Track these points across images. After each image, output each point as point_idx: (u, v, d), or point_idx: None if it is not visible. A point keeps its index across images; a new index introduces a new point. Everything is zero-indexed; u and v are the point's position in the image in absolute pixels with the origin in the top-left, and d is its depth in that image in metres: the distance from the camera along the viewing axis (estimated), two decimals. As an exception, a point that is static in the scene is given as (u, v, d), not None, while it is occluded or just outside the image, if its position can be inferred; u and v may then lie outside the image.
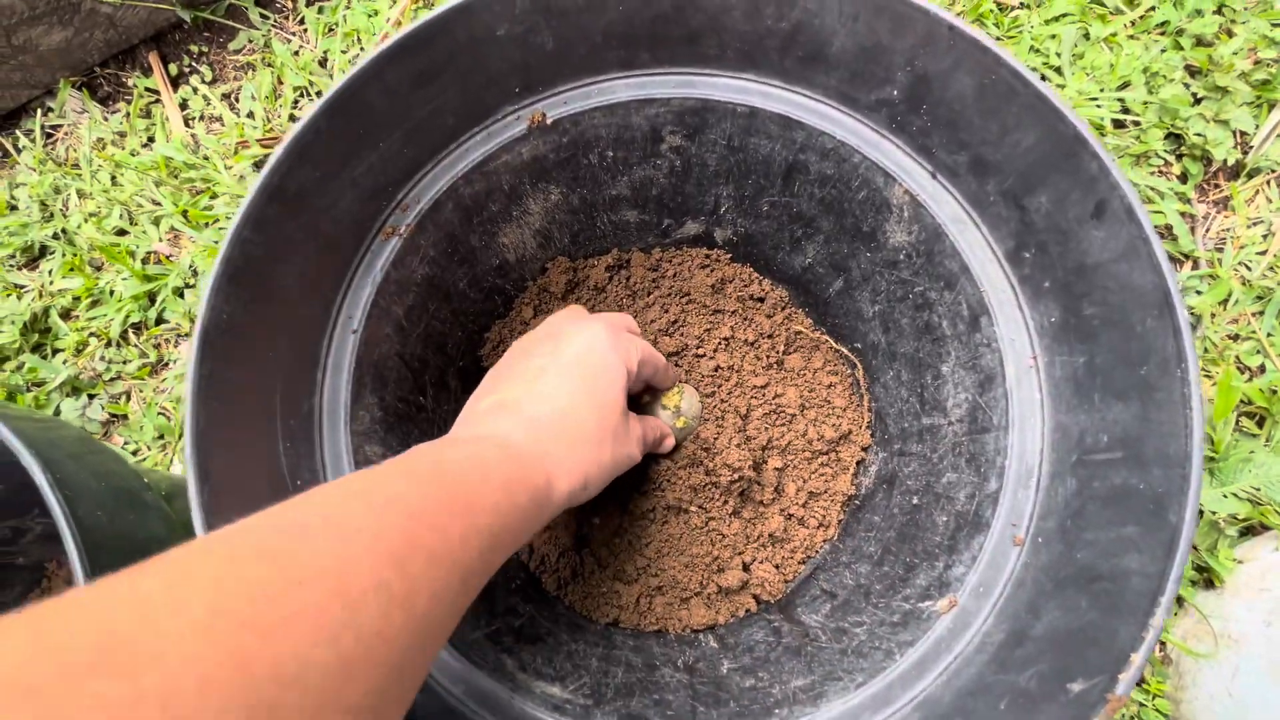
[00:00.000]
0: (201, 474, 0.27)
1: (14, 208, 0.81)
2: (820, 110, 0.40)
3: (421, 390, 0.45)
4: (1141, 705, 0.54)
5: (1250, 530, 0.57)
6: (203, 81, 0.87)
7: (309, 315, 0.35)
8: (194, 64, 0.89)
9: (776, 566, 0.49)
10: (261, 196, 0.31)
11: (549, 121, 0.41)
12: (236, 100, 0.86)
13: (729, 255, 0.57)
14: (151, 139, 0.84)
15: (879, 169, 0.39)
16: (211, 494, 0.27)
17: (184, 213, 0.78)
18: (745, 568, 0.49)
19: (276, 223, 0.32)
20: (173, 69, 0.89)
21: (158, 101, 0.87)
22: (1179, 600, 0.57)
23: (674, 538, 0.50)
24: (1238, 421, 0.60)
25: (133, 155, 0.81)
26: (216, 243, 0.75)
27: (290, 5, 0.90)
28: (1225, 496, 0.56)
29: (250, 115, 0.83)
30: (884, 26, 0.34)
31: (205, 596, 0.18)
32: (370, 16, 0.86)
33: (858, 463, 0.51)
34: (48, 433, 0.36)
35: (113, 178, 0.81)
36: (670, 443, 0.48)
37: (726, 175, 0.48)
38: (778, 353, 0.55)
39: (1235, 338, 0.64)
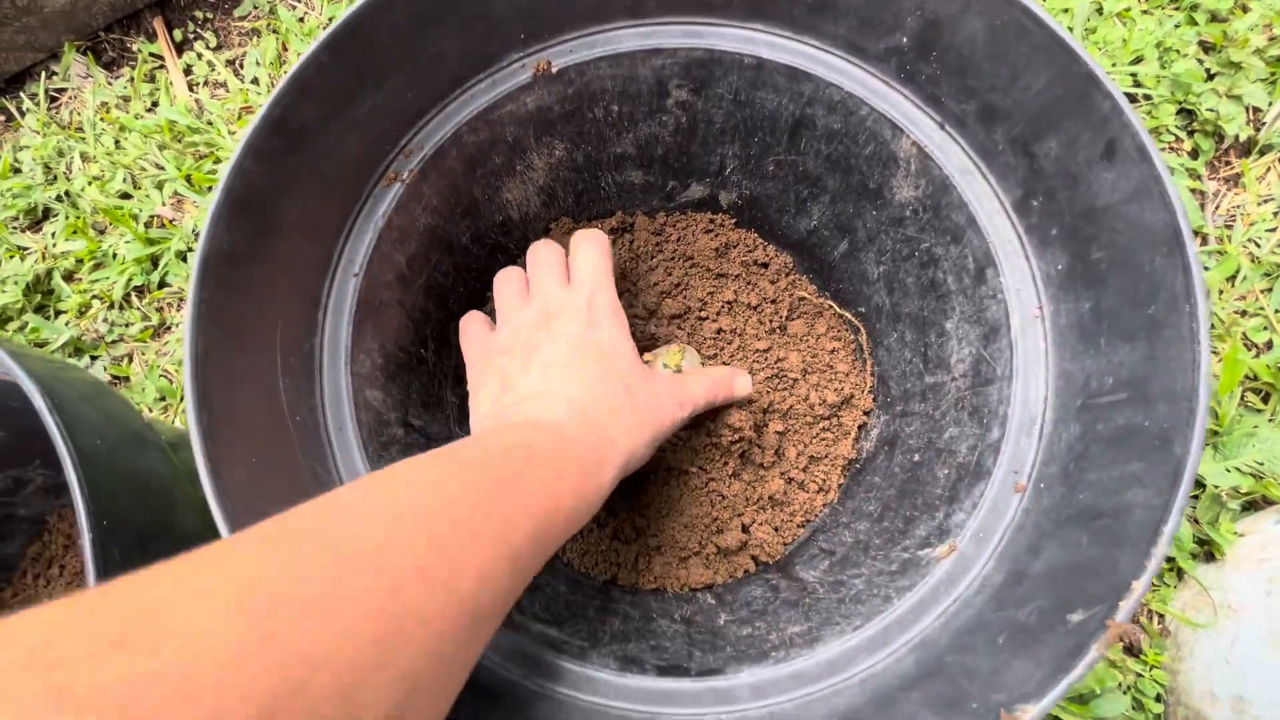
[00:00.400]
0: (200, 399, 0.27)
1: (17, 170, 0.81)
2: (828, 61, 0.39)
3: (422, 342, 0.45)
4: (1139, 675, 0.54)
5: (1253, 504, 0.57)
6: (207, 47, 0.86)
7: (311, 255, 0.35)
8: (198, 30, 0.89)
9: (775, 529, 0.49)
10: (264, 128, 0.30)
11: (554, 70, 0.41)
12: (241, 66, 0.85)
13: (733, 220, 0.57)
14: (155, 104, 0.84)
15: (887, 121, 0.39)
16: (211, 420, 0.27)
17: (187, 177, 0.78)
18: (744, 529, 0.49)
19: (279, 157, 0.31)
20: (177, 34, 0.88)
21: (162, 67, 0.86)
22: (1179, 573, 0.57)
23: (673, 499, 0.50)
24: (1243, 397, 0.60)
25: (136, 119, 0.81)
26: (220, 207, 0.75)
27: (296, -28, 0.89)
28: (1229, 470, 0.56)
29: (255, 81, 0.83)
30: (894, -31, 0.33)
31: (237, 576, 0.17)
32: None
33: (859, 427, 0.51)
34: (60, 373, 0.36)
35: (116, 141, 0.81)
36: (745, 384, 0.46)
37: (733, 133, 0.47)
38: (780, 318, 0.54)
39: (1243, 314, 0.63)
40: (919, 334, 0.44)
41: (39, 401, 0.28)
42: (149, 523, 0.34)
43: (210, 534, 0.24)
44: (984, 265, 0.36)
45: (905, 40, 0.36)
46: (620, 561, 0.48)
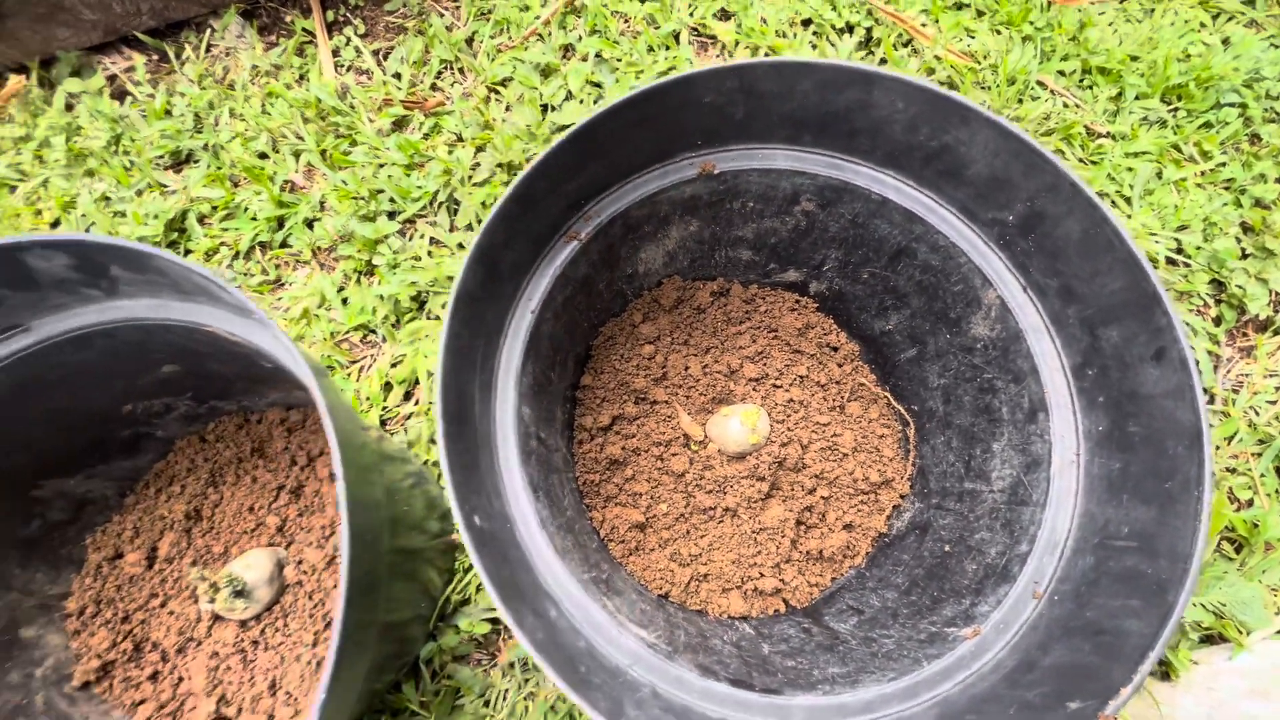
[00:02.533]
0: (446, 411, 0.35)
1: (169, 113, 0.88)
2: (941, 213, 0.48)
3: (551, 367, 0.53)
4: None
5: (1210, 639, 0.65)
6: (355, 34, 0.94)
7: (507, 294, 0.43)
8: (349, 15, 0.97)
9: (807, 581, 0.57)
10: (512, 199, 0.38)
11: (715, 171, 0.49)
12: (384, 59, 0.93)
13: (816, 305, 0.65)
14: (303, 77, 0.92)
15: (979, 272, 0.47)
16: (450, 425, 0.35)
17: (323, 152, 0.85)
18: (780, 576, 0.57)
19: (513, 220, 0.40)
20: (329, 15, 0.96)
21: (312, 43, 0.94)
22: (1135, 684, 0.65)
23: (726, 536, 0.58)
24: (1219, 544, 0.68)
25: (287, 89, 0.89)
26: (347, 184, 0.82)
27: (449, -18, 0.97)
28: (1195, 605, 0.65)
29: (397, 76, 0.91)
30: (1018, 167, 0.41)
31: None
32: (522, 10, 0.93)
33: (894, 506, 0.59)
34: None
35: (263, 106, 0.89)
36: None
37: (841, 243, 0.56)
38: (842, 398, 0.63)
39: (1232, 470, 0.72)
40: (965, 444, 0.52)
41: (310, 381, 0.36)
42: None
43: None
44: (1037, 409, 0.45)
45: (1011, 219, 0.44)
46: (675, 581, 0.55)
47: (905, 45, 0.90)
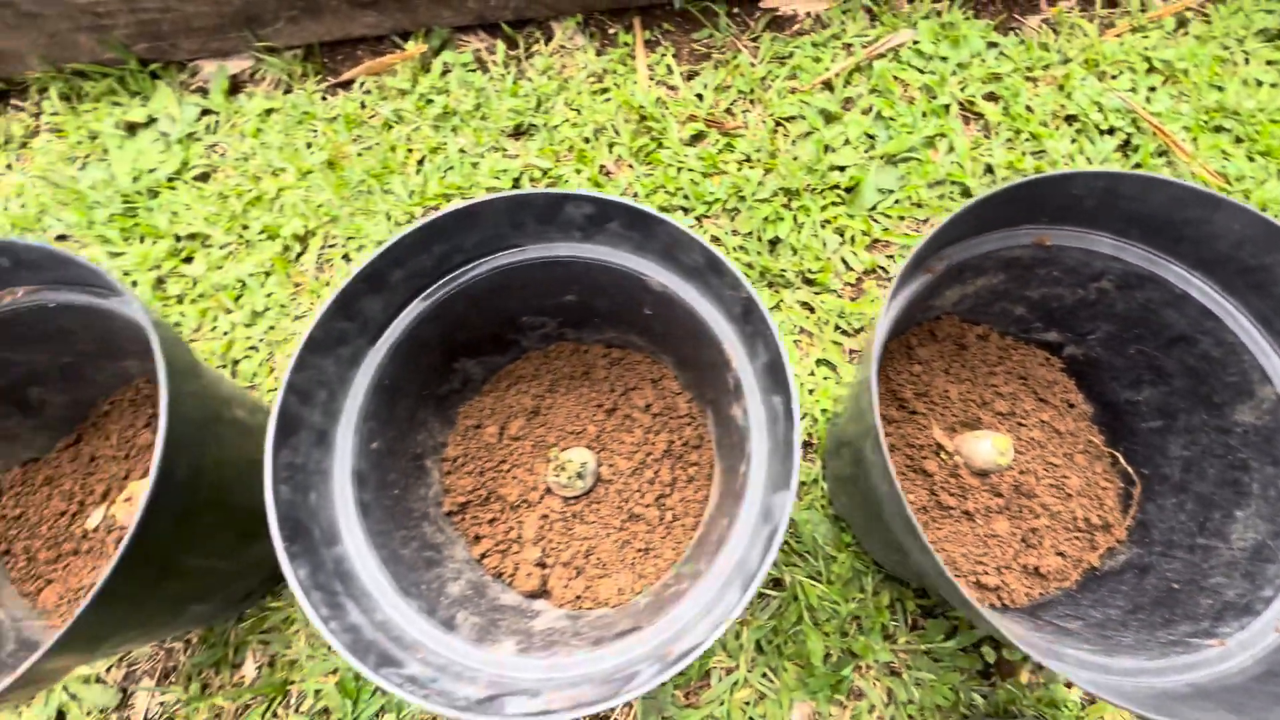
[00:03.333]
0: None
1: (515, 95, 1.09)
2: (1238, 317, 0.58)
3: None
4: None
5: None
6: (668, 55, 1.12)
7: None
8: (660, 37, 1.15)
9: (1024, 588, 0.68)
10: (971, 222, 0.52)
11: (1048, 244, 0.62)
12: (689, 79, 1.11)
13: (1062, 365, 0.76)
14: (618, 86, 1.10)
15: (1261, 371, 0.57)
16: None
17: (637, 149, 1.03)
18: (1001, 577, 0.68)
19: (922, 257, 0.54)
20: (646, 34, 1.15)
21: (632, 56, 1.13)
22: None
23: (961, 533, 0.70)
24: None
25: (615, 88, 1.08)
26: (650, 177, 1.00)
27: (752, 24, 1.14)
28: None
29: (699, 96, 1.08)
30: (1331, 295, 0.52)
31: None
32: (814, 61, 1.09)
33: (1108, 549, 0.69)
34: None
35: (591, 101, 1.08)
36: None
37: (1121, 319, 0.67)
38: (1073, 448, 0.73)
39: None
40: (1202, 509, 0.62)
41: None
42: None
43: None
44: (1295, 490, 0.54)
45: (1309, 334, 0.54)
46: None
47: (1161, 155, 0.99)
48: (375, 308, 0.60)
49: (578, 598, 0.69)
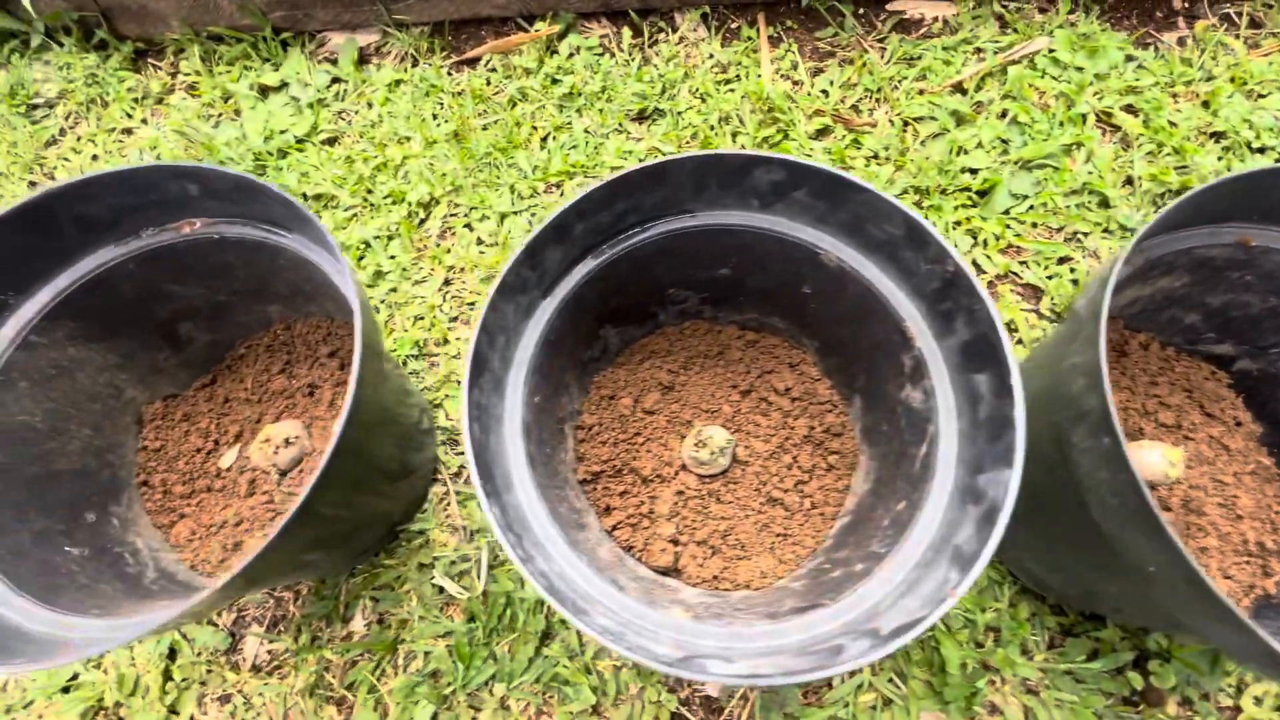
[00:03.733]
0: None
1: (640, 80, 1.09)
2: None
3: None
4: None
5: None
6: (790, 50, 1.12)
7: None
8: (782, 34, 1.15)
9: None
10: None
11: (1252, 244, 0.59)
12: (813, 75, 1.10)
13: (1229, 381, 0.72)
14: (740, 77, 1.10)
15: None
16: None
17: (763, 139, 1.03)
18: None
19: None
20: (769, 30, 1.15)
21: (755, 50, 1.13)
22: None
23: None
24: None
25: (738, 79, 1.07)
26: (773, 170, 0.99)
27: (879, 25, 1.13)
28: None
29: (824, 93, 1.07)
30: None
31: None
32: (945, 64, 1.07)
33: None
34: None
35: (715, 89, 1.08)
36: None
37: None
38: (1241, 467, 0.69)
39: None
40: None
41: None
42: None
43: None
44: None
45: None
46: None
47: (1316, 178, 0.95)
48: (554, 259, 0.59)
49: (715, 578, 0.67)
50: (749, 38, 1.14)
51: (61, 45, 1.22)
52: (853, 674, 0.73)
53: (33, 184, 1.12)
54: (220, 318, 0.77)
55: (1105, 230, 0.94)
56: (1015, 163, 0.98)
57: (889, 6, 1.15)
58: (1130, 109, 1.03)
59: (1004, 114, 1.02)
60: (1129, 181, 0.96)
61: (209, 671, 0.78)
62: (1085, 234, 0.94)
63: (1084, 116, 1.01)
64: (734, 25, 1.17)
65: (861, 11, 1.15)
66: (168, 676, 0.78)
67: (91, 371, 0.69)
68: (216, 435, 0.77)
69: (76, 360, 0.67)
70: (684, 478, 0.72)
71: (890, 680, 0.73)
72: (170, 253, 0.66)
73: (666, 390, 0.77)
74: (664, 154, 1.03)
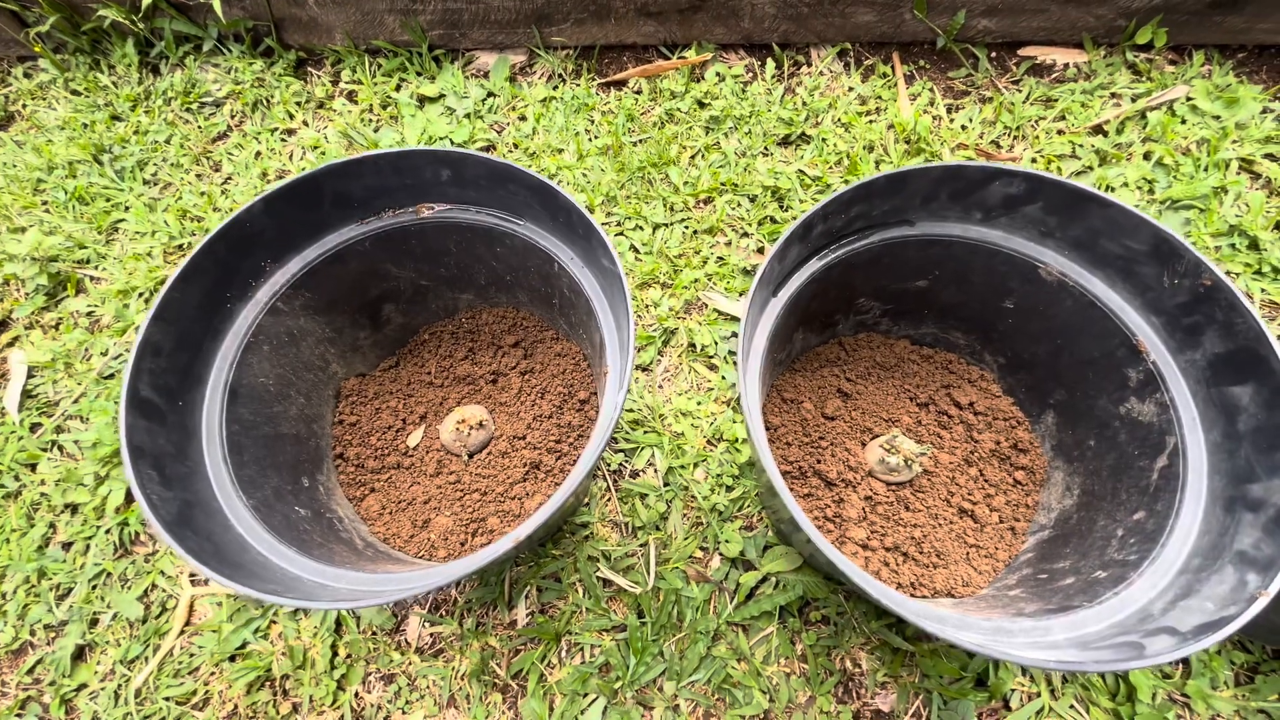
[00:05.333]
0: None
1: (785, 108, 1.14)
2: None
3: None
4: None
5: None
6: (925, 87, 1.16)
7: None
8: (915, 72, 1.20)
9: None
10: None
11: None
12: (950, 111, 1.14)
13: None
14: (879, 110, 1.14)
15: None
16: None
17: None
18: None
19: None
20: (904, 68, 1.20)
21: (891, 86, 1.17)
22: None
23: None
24: None
25: (878, 112, 1.12)
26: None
27: (1012, 68, 1.17)
28: None
29: (963, 128, 1.11)
30: None
31: None
32: (1083, 107, 1.11)
33: None
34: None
35: (856, 121, 1.12)
36: None
37: None
38: None
39: None
40: None
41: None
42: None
43: None
44: None
45: None
46: None
47: None
48: (792, 257, 0.62)
49: (912, 584, 0.67)
50: (884, 74, 1.19)
51: (229, 51, 1.30)
52: (1030, 696, 0.72)
53: (199, 176, 1.19)
54: (416, 302, 0.80)
55: (1256, 271, 0.95)
56: (1163, 202, 1.00)
57: (1021, 51, 1.20)
58: (1272, 157, 1.05)
59: (1147, 156, 1.05)
60: (1279, 226, 0.98)
61: (373, 650, 0.78)
62: (1236, 274, 0.95)
63: (1227, 162, 1.03)
64: (867, 62, 1.22)
65: (994, 55, 1.20)
66: (334, 651, 0.78)
67: (311, 343, 0.72)
68: (404, 414, 0.80)
69: (303, 330, 0.70)
70: (871, 483, 0.73)
71: (1071, 707, 0.71)
72: (401, 234, 0.70)
73: (845, 398, 0.78)
74: (810, 177, 1.07)
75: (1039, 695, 0.72)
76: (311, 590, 0.49)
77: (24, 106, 1.32)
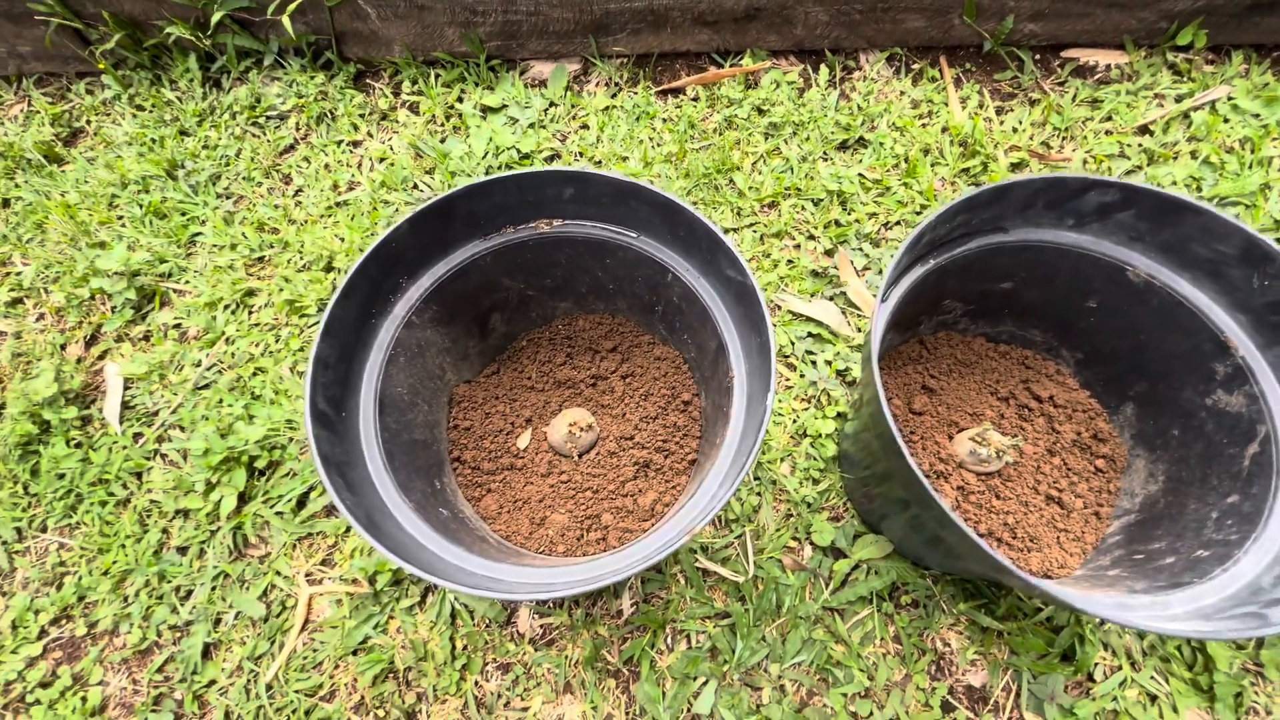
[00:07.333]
0: None
1: (841, 113, 1.18)
2: None
3: None
4: None
5: None
6: (974, 89, 1.20)
7: None
8: (963, 76, 1.24)
9: None
10: None
11: None
12: (1002, 115, 1.18)
13: None
14: (930, 114, 1.19)
15: None
16: None
17: (959, 170, 1.10)
18: None
19: None
20: (951, 72, 1.24)
21: (941, 89, 1.21)
22: None
23: None
24: None
25: (931, 116, 1.16)
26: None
27: (1057, 70, 1.22)
28: None
29: (1014, 130, 1.15)
30: None
31: None
32: (1129, 108, 1.15)
33: None
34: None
35: (901, 128, 1.16)
36: None
37: None
38: None
39: None
40: None
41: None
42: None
43: None
44: None
45: None
46: None
47: None
48: (903, 264, 0.66)
49: (1009, 567, 0.71)
50: (933, 78, 1.23)
51: (289, 65, 1.33)
52: (1114, 669, 0.77)
53: (270, 189, 1.22)
54: (519, 311, 0.84)
55: (1302, 265, 1.00)
56: (1212, 199, 1.05)
57: (1064, 53, 1.24)
58: (1311, 154, 1.09)
59: (1194, 154, 1.09)
60: (1321, 220, 1.02)
61: (488, 641, 0.83)
62: (1283, 267, 1.00)
63: (1269, 159, 1.08)
64: (915, 66, 1.26)
65: (1038, 57, 1.24)
66: (452, 644, 0.83)
67: (433, 353, 0.76)
68: (511, 418, 0.84)
69: (429, 341, 0.74)
70: (961, 474, 0.77)
71: (1152, 677, 0.76)
72: (519, 248, 0.74)
73: (930, 393, 0.82)
74: (870, 180, 1.11)
75: (1120, 668, 0.77)
76: (512, 587, 0.53)
77: (88, 122, 1.34)
